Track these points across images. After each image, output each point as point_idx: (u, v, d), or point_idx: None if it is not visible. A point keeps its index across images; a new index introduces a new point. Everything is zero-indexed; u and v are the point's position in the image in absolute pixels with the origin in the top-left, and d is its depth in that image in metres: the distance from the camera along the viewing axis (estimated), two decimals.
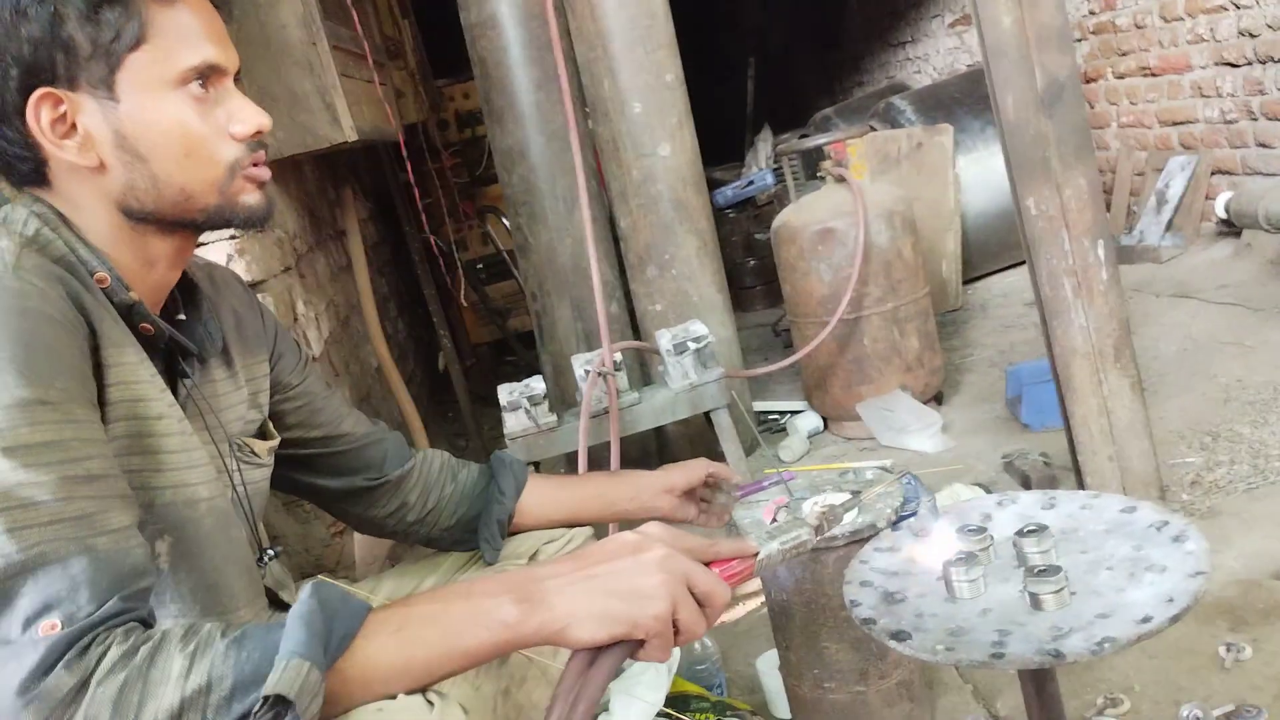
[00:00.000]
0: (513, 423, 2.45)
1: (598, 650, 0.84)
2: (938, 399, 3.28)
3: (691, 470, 1.46)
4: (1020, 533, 1.18)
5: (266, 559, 1.12)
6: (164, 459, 0.93)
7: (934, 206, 4.23)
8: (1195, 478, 2.53)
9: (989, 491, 2.45)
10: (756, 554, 0.93)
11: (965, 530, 1.25)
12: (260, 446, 1.14)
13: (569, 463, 2.72)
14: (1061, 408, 2.24)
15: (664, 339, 2.51)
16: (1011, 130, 2.08)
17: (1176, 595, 1.04)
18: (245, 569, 1.03)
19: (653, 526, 0.89)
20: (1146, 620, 1.01)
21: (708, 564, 0.90)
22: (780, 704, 1.77)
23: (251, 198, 1.00)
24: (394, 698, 0.81)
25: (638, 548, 0.86)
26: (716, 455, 2.76)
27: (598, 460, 2.40)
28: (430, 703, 0.82)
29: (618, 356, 2.44)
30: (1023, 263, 4.70)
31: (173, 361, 1.03)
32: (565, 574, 0.85)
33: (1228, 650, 1.66)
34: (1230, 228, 4.12)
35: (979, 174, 4.37)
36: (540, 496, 1.40)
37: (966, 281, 4.50)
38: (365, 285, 3.34)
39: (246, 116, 0.98)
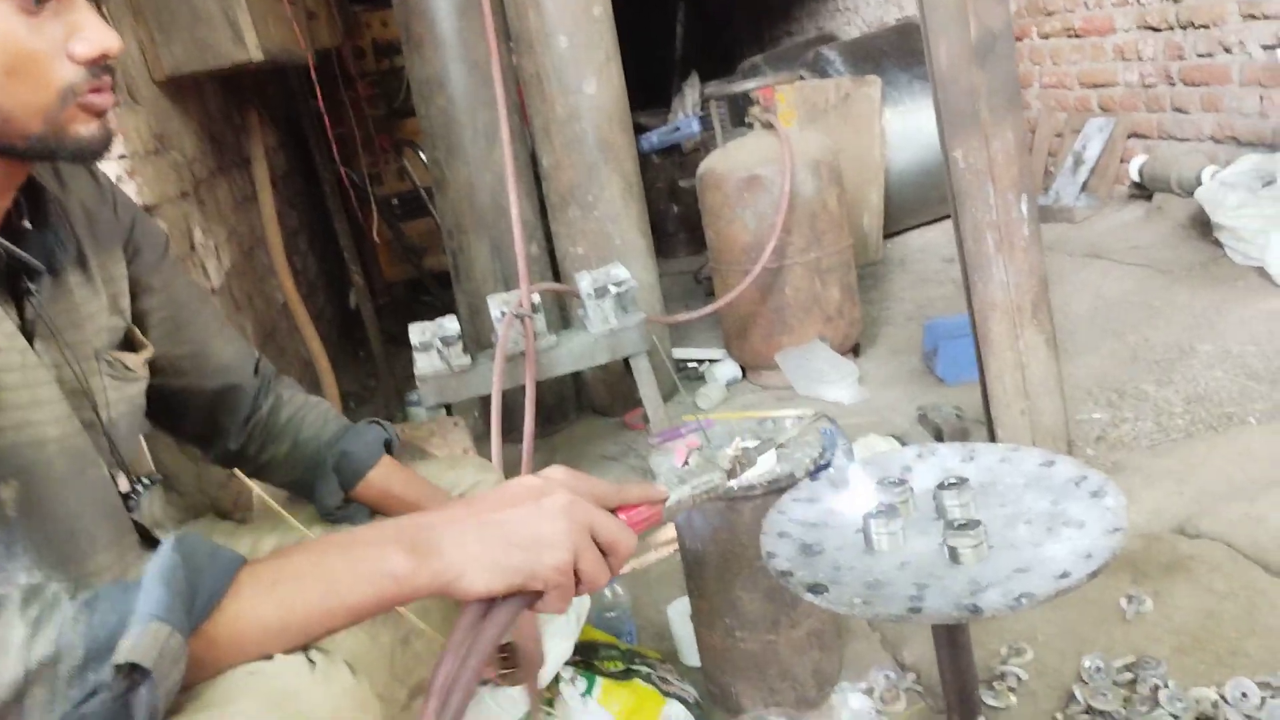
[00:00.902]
0: (424, 364, 2.36)
1: (492, 602, 0.79)
2: (855, 350, 3.29)
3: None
4: (941, 486, 1.17)
5: (139, 490, 1.02)
6: (2, 398, 0.82)
7: (859, 159, 4.21)
8: (1101, 433, 2.59)
9: (903, 443, 2.47)
10: (665, 499, 0.88)
11: (885, 483, 1.23)
12: (132, 360, 1.02)
13: (483, 406, 2.65)
14: (978, 362, 2.25)
15: (584, 282, 2.44)
16: (943, 80, 2.05)
17: (1095, 551, 1.03)
18: (106, 510, 0.93)
19: (555, 470, 0.84)
20: (1064, 576, 1.00)
21: (614, 510, 0.85)
22: (690, 652, 1.76)
23: (86, 128, 0.86)
24: (270, 658, 0.74)
25: (539, 492, 0.80)
26: (634, 401, 2.72)
27: (513, 404, 2.34)
28: (312, 661, 0.76)
29: (536, 298, 2.37)
30: (943, 218, 4.75)
31: (17, 280, 0.90)
32: (459, 520, 0.79)
33: (1129, 602, 1.69)
34: (1143, 191, 4.20)
35: (904, 128, 4.37)
36: (389, 487, 1.25)
37: (887, 235, 4.52)
38: (271, 215, 3.18)
39: (91, 36, 0.83)
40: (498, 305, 2.39)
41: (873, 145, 4.25)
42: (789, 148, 2.94)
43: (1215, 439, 2.36)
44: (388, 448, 1.28)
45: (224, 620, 0.72)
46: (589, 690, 1.51)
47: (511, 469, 2.33)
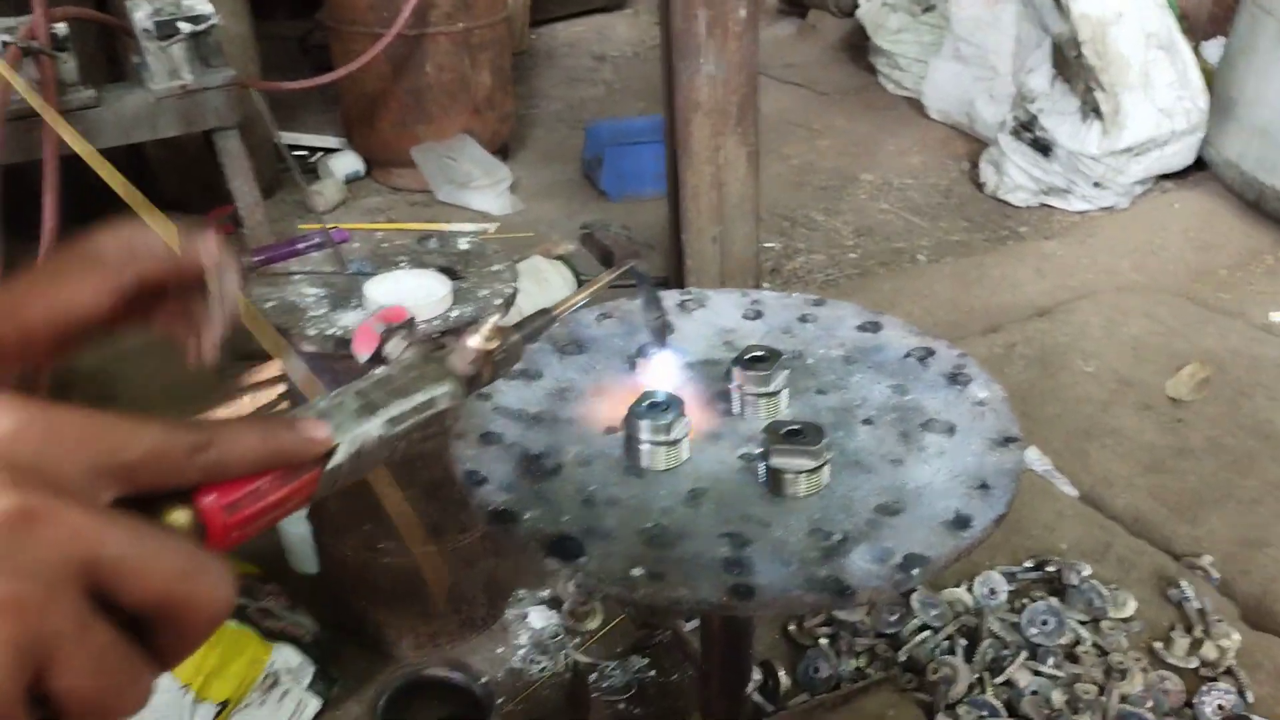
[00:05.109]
0: None
1: None
2: (504, 153, 2.78)
3: (142, 243, 0.53)
4: (741, 361, 0.74)
5: None
6: None
7: None
8: (775, 265, 2.37)
9: (574, 268, 2.05)
10: (326, 451, 0.36)
11: (644, 353, 0.79)
12: None
13: None
14: (670, 176, 1.87)
15: (141, 12, 1.67)
16: None
17: (989, 477, 0.67)
18: None
19: None
20: (963, 524, 0.64)
21: (191, 494, 0.32)
22: (306, 558, 1.26)
23: None
24: None
25: None
26: (220, 195, 2.02)
27: (32, 189, 1.57)
28: None
29: (61, 28, 1.57)
30: (594, 11, 4.28)
31: None
32: None
33: None
34: (795, 7, 4.02)
35: None
36: None
37: (532, 24, 3.96)
38: None
39: None
40: None
41: None
42: None
43: (895, 279, 2.22)
44: None
45: None
46: None
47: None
